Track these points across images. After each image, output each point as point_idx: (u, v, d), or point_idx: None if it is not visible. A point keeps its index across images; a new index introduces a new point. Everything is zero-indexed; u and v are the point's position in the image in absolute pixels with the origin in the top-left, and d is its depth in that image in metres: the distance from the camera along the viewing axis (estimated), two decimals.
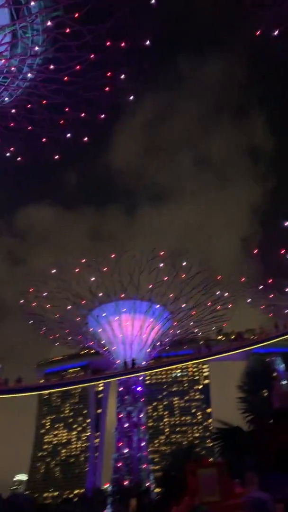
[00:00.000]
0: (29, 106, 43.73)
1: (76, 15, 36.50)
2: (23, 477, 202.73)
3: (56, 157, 49.69)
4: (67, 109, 43.44)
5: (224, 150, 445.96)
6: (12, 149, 46.65)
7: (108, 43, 38.49)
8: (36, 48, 39.22)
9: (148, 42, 39.47)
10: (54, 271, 61.94)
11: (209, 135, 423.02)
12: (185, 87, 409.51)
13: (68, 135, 45.56)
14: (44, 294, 63.92)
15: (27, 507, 66.66)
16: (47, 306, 65.43)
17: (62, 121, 44.58)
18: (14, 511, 59.88)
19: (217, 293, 63.84)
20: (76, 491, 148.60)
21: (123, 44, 38.86)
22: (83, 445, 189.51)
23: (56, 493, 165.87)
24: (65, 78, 40.51)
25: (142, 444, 64.43)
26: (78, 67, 39.47)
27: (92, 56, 38.98)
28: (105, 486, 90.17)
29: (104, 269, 61.26)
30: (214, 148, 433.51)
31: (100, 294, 64.09)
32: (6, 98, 43.20)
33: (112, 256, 61.48)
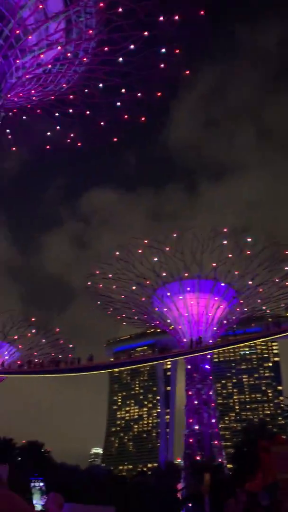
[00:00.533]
0: (86, 90, 44.16)
1: None
2: (99, 450, 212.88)
3: (115, 139, 50.09)
4: (123, 90, 43.27)
5: (286, 120, 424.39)
6: (72, 135, 47.54)
7: (161, 18, 37.64)
8: (90, 31, 39.33)
9: (202, 13, 38.11)
10: (117, 253, 63.06)
11: (270, 105, 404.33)
12: (242, 56, 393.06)
13: (125, 116, 45.51)
14: (109, 276, 65.40)
15: (104, 478, 70.04)
16: (113, 287, 66.94)
17: (118, 103, 44.59)
18: (92, 481, 63.18)
19: (286, 268, 61.75)
20: (149, 465, 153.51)
21: (176, 17, 37.83)
22: (154, 421, 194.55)
23: (130, 466, 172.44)
24: (120, 59, 40.33)
25: (212, 421, 64.85)
26: (132, 46, 39.03)
27: (145, 33, 38.35)
28: (178, 461, 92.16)
29: (167, 249, 61.31)
30: (276, 118, 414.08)
31: (164, 274, 64.36)
32: (64, 85, 43.91)
33: (174, 235, 61.31)
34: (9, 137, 47.65)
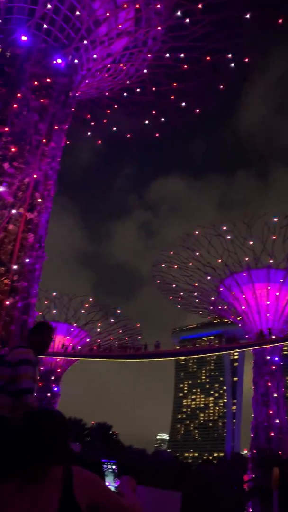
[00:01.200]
0: (154, 78, 44.09)
1: None
2: (164, 436, 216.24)
3: (182, 128, 49.56)
4: (192, 78, 42.67)
5: None
6: (146, 122, 47.73)
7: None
8: (159, 17, 39.00)
9: None
10: (184, 241, 62.80)
11: None
12: None
13: (197, 110, 44.88)
14: (175, 266, 65.42)
15: (171, 464, 71.09)
16: (179, 276, 66.92)
17: (186, 90, 44.04)
18: (158, 465, 64.39)
19: None
20: (215, 454, 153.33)
21: None
22: (220, 410, 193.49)
23: (196, 454, 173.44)
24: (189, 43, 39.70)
25: (281, 414, 63.14)
26: (201, 32, 38.28)
27: (216, 17, 37.39)
28: (244, 452, 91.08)
29: (236, 237, 60.05)
30: None
31: (232, 263, 63.19)
32: (133, 74, 44.11)
33: (244, 223, 59.82)
34: (80, 128, 49.03)
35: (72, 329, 72.77)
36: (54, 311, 72.69)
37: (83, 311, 73.12)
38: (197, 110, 45.75)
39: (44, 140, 32.23)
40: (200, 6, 37.02)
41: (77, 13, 35.53)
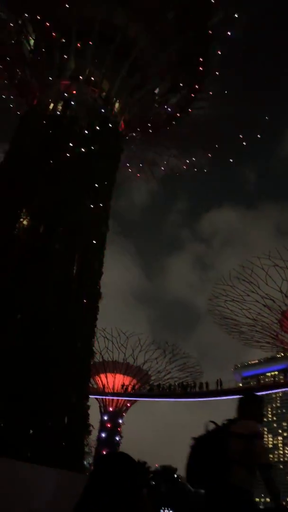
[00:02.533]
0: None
1: None
2: None
3: (230, 160, 49.79)
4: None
5: None
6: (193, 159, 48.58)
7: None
8: (201, 58, 40.13)
9: None
10: (240, 273, 61.54)
11: None
12: None
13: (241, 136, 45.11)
14: (233, 298, 63.95)
15: None
16: (237, 309, 65.22)
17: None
18: None
19: None
20: None
21: None
22: None
23: (267, 499, 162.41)
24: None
25: None
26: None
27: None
28: None
29: None
30: None
31: None
32: (170, 109, 45.23)
33: None
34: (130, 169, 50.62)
35: (131, 368, 72.34)
36: (112, 351, 72.83)
37: (141, 350, 72.68)
38: (244, 143, 45.85)
39: (96, 184, 33.39)
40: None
41: (121, 62, 37.35)
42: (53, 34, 36.64)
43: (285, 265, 58.34)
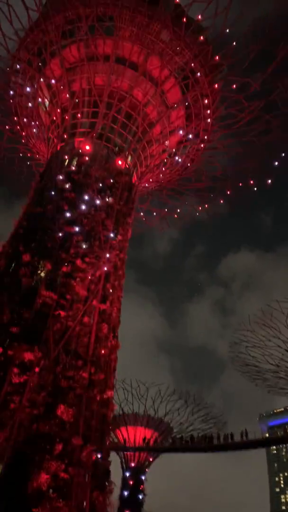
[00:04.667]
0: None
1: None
2: None
3: (243, 205, 50.51)
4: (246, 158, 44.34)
5: None
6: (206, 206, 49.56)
7: (276, 84, 38.66)
8: (208, 111, 41.86)
9: None
10: (261, 318, 60.51)
11: None
12: None
13: (251, 181, 46.09)
14: (254, 344, 62.56)
15: None
16: (259, 355, 63.58)
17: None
18: None
19: None
20: None
21: None
22: None
23: None
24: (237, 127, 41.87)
25: None
26: (250, 115, 40.49)
27: (261, 103, 39.64)
28: None
29: None
30: None
31: None
32: (188, 163, 46.66)
33: None
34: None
35: (152, 421, 70.10)
36: (132, 403, 70.99)
37: (162, 401, 70.66)
38: (255, 188, 46.85)
39: (111, 235, 34.09)
40: (242, 96, 39.50)
41: (133, 119, 39.18)
42: (67, 95, 38.89)
43: None
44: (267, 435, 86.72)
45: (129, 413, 70.23)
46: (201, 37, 38.76)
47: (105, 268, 32.51)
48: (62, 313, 28.33)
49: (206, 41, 39.27)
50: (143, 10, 37.19)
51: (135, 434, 69.35)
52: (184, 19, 37.87)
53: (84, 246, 32.00)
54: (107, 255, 33.04)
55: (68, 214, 32.63)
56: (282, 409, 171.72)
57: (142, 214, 51.97)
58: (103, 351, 29.93)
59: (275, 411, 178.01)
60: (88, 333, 29.87)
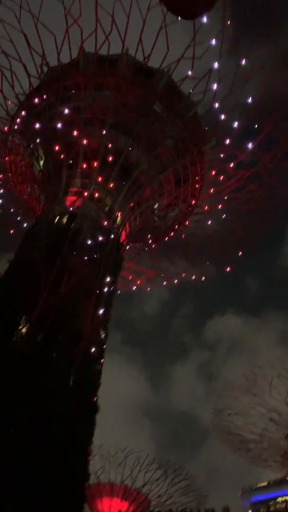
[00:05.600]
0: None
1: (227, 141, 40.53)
2: None
3: (228, 269, 51.44)
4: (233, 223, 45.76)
5: None
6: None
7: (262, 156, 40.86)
8: (197, 177, 43.63)
9: None
10: (244, 385, 59.42)
11: None
12: None
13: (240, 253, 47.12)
14: (237, 412, 60.93)
15: None
16: (242, 424, 61.72)
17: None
18: None
19: None
20: None
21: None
22: None
23: None
24: (225, 197, 43.54)
25: None
26: (237, 183, 42.32)
27: (248, 172, 41.66)
28: None
29: None
30: None
31: None
32: (176, 226, 47.83)
33: None
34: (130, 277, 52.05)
35: (129, 492, 65.95)
36: (109, 471, 67.01)
37: (140, 470, 66.88)
38: (239, 253, 47.91)
39: (97, 291, 34.02)
40: (231, 165, 41.47)
41: (124, 181, 40.55)
42: (62, 156, 40.33)
43: None
44: (249, 511, 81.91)
45: (105, 483, 66.13)
46: (192, 110, 41.30)
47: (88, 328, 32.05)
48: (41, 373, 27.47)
49: (196, 113, 41.80)
50: (139, 81, 39.72)
51: (110, 507, 64.96)
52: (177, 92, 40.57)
53: (69, 304, 31.71)
54: (91, 311, 32.74)
55: (56, 271, 32.65)
56: (266, 483, 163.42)
57: (130, 273, 52.27)
58: (81, 415, 28.75)
59: (258, 485, 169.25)
60: (67, 393, 28.86)
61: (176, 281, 54.47)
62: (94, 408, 30.43)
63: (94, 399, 30.85)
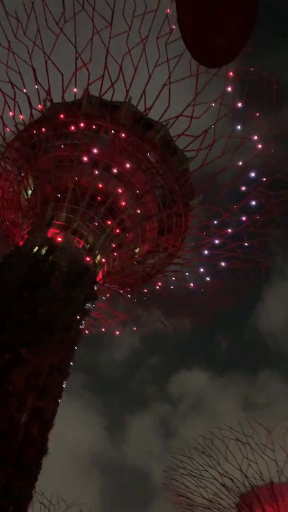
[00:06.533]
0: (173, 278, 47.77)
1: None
2: None
3: (199, 323, 51.29)
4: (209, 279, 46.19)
5: None
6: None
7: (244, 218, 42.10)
8: (179, 229, 44.45)
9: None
10: (200, 445, 57.69)
11: None
12: None
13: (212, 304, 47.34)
14: (189, 472, 58.75)
15: None
16: (194, 486, 59.36)
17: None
18: None
19: None
20: None
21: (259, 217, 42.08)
22: None
23: None
24: (206, 252, 44.28)
25: None
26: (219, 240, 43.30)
27: (229, 231, 42.64)
28: None
29: (256, 444, 55.06)
30: None
31: (252, 474, 56.41)
32: (153, 271, 48.04)
33: (264, 428, 55.59)
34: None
35: None
36: None
37: None
38: (213, 306, 48.12)
39: (65, 329, 33.30)
40: (215, 222, 42.52)
41: (109, 222, 40.94)
42: (49, 189, 40.71)
43: (247, 440, 55.46)
44: None
45: None
46: (184, 166, 42.75)
47: (51, 363, 31.12)
48: None
49: (188, 168, 43.22)
50: (137, 131, 41.11)
51: None
52: (171, 146, 42.07)
53: (33, 335, 30.88)
54: (56, 349, 31.88)
55: (26, 301, 32.01)
56: None
57: (101, 314, 51.72)
58: (28, 455, 27.28)
59: None
60: (16, 431, 27.45)
61: (148, 329, 54.09)
62: (43, 451, 28.96)
63: (46, 441, 29.43)
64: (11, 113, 42.45)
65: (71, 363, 34.52)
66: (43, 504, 62.51)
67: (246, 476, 56.42)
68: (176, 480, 59.96)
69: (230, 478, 56.98)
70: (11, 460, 25.89)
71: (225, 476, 57.00)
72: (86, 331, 37.63)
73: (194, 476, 58.83)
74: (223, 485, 57.37)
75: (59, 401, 32.27)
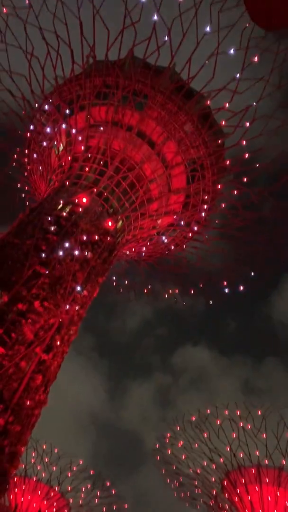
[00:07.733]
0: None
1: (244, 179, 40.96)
2: None
3: (210, 302, 51.44)
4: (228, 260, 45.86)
5: None
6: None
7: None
8: (205, 206, 43.86)
9: None
10: (194, 418, 58.91)
11: None
12: None
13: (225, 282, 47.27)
14: (180, 443, 60.30)
15: None
16: (182, 457, 61.05)
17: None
18: None
19: None
20: None
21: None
22: None
23: None
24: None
25: None
26: (239, 224, 42.68)
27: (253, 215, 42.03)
28: None
29: (249, 427, 55.94)
30: None
31: (241, 455, 57.61)
32: (172, 246, 47.90)
33: (259, 413, 56.30)
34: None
35: (51, 493, 64.71)
36: (39, 467, 65.80)
37: (69, 474, 65.86)
38: (226, 290, 47.99)
39: (78, 288, 33.71)
40: (240, 204, 41.92)
41: (135, 189, 40.62)
42: (80, 148, 40.41)
43: (240, 422, 56.31)
44: None
45: (31, 478, 64.89)
46: (219, 140, 41.69)
47: (60, 319, 31.72)
48: (1, 350, 27.05)
49: (223, 144, 42.19)
50: (176, 99, 40.09)
51: (29, 504, 63.63)
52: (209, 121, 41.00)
53: (47, 290, 31.41)
54: (67, 306, 32.40)
55: (43, 255, 32.38)
56: None
57: (118, 281, 52.37)
58: (28, 403, 28.28)
59: None
60: (19, 379, 28.38)
61: (161, 299, 54.52)
62: (43, 401, 29.95)
63: (46, 392, 30.38)
64: (53, 66, 41.78)
65: (80, 323, 35.11)
66: (37, 451, 65.39)
67: (234, 455, 57.69)
68: (166, 448, 61.71)
69: (219, 455, 58.33)
70: (11, 405, 26.86)
71: (214, 452, 58.37)
72: (97, 293, 37.89)
73: (184, 447, 60.41)
74: (211, 460, 58.86)
75: (65, 356, 33.09)
